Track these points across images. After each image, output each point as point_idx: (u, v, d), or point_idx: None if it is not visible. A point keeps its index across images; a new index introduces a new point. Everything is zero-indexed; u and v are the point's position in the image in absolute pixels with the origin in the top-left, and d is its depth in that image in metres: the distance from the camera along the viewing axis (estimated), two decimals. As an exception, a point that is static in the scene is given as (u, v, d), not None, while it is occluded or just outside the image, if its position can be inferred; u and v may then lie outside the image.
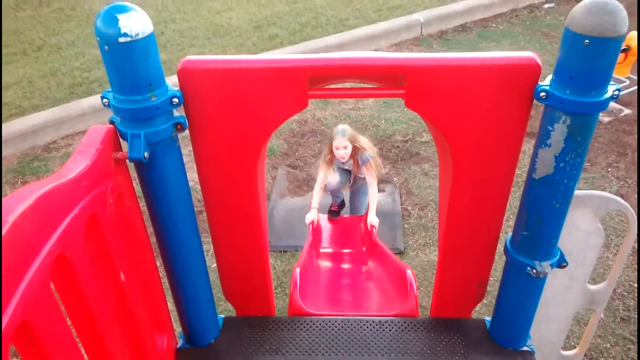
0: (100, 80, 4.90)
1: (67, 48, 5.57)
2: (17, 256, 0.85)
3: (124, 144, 1.28)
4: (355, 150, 2.86)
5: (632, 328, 2.63)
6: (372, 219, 2.86)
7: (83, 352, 1.12)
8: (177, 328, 1.72)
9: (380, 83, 1.42)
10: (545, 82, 1.23)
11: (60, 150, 4.13)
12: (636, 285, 2.88)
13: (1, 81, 4.82)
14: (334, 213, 3.17)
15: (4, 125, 4.10)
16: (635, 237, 1.59)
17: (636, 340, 2.57)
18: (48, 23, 6.16)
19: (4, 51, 5.39)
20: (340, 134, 2.80)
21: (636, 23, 4.34)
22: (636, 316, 2.69)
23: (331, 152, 2.90)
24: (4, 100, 4.56)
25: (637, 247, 3.07)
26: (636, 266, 2.99)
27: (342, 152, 2.83)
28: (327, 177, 3.02)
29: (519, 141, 1.36)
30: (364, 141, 2.90)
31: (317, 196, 2.96)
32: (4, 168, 3.89)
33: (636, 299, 2.80)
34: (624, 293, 2.83)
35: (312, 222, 2.76)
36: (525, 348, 1.67)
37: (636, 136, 4.10)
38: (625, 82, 4.41)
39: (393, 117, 4.47)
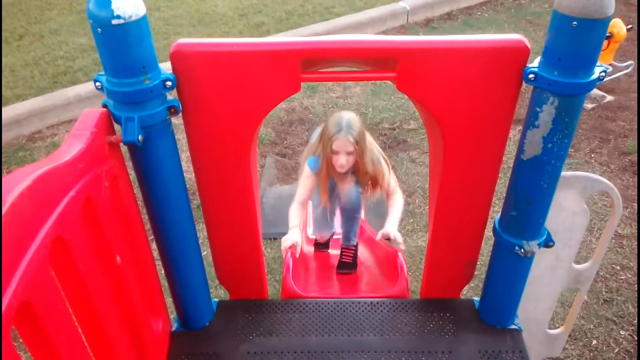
0: (85, 69, 4.83)
1: (50, 36, 5.48)
2: (16, 236, 0.86)
3: (117, 128, 1.28)
4: (360, 156, 1.91)
5: (614, 309, 2.70)
6: (394, 230, 1.87)
7: (81, 334, 1.13)
8: (172, 313, 1.73)
9: (371, 67, 1.44)
10: (534, 64, 1.26)
11: (45, 140, 4.08)
12: (618, 267, 2.95)
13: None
14: (322, 245, 2.45)
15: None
16: (619, 217, 1.64)
17: (618, 321, 2.64)
18: (30, 11, 6.04)
19: (-16, 40, 5.29)
20: (344, 131, 1.82)
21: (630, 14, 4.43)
22: (618, 298, 2.76)
23: (328, 159, 1.91)
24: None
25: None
26: (618, 249, 3.06)
27: (344, 159, 1.87)
28: (318, 200, 2.06)
29: (507, 123, 1.39)
30: (370, 140, 1.98)
31: (297, 214, 1.99)
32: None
33: (618, 281, 2.87)
34: (607, 275, 2.90)
35: (294, 246, 1.79)
36: (513, 327, 1.71)
37: (619, 122, 4.17)
38: (608, 69, 4.47)
39: (380, 104, 4.48)
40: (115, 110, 1.24)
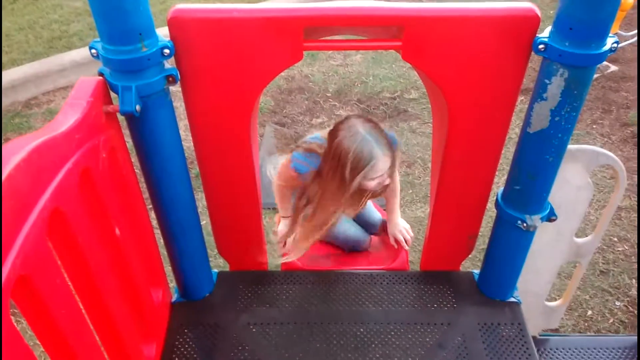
0: (80, 34, 4.73)
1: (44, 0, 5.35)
2: (13, 209, 0.83)
3: (114, 98, 1.25)
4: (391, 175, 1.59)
5: (610, 281, 2.72)
6: (402, 222, 1.89)
7: (81, 306, 1.12)
8: (171, 283, 1.73)
9: (376, 35, 1.39)
10: (544, 34, 1.22)
11: (41, 107, 4.02)
12: (616, 239, 2.96)
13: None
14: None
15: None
16: (623, 191, 1.62)
17: (614, 292, 2.67)
18: (22, -27, 5.88)
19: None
20: (382, 154, 1.43)
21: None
22: (615, 269, 2.78)
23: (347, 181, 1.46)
24: (-21, 54, 4.40)
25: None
26: (616, 221, 3.06)
27: (374, 184, 1.50)
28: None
29: (514, 94, 1.36)
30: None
31: (282, 199, 1.91)
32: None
33: (615, 252, 2.88)
34: (604, 247, 2.91)
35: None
36: (512, 299, 1.72)
37: (622, 93, 4.12)
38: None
39: (381, 73, 4.42)
40: (111, 79, 1.21)
